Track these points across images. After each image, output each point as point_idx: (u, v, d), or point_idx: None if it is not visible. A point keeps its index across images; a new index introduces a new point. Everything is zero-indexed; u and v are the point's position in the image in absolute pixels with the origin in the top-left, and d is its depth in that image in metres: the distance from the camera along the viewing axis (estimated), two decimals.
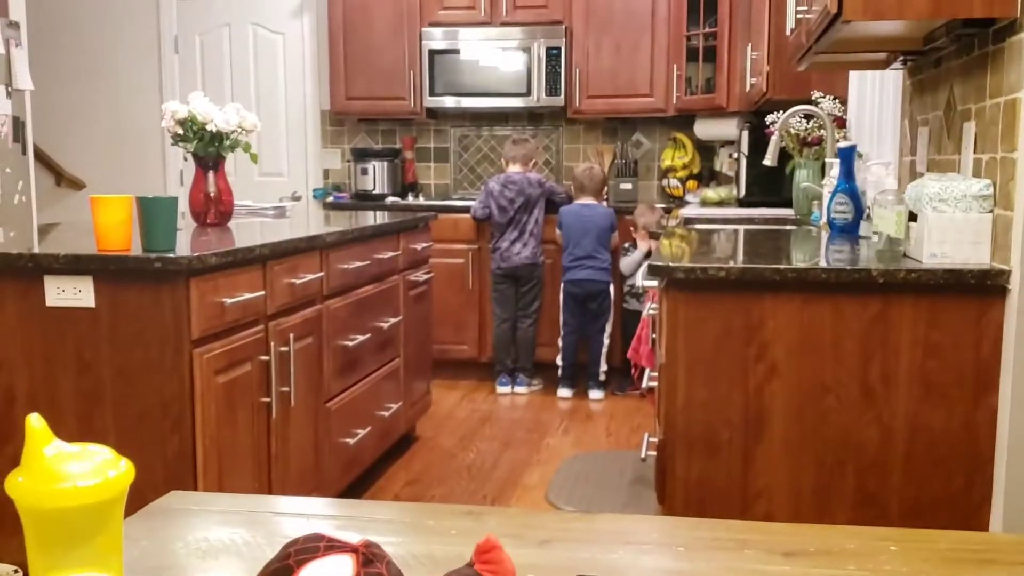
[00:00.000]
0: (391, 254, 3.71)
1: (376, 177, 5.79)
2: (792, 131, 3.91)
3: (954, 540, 0.93)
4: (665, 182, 5.72)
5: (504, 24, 5.53)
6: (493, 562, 0.79)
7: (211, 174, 3.23)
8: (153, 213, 2.36)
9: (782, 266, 2.08)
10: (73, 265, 2.32)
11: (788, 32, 2.87)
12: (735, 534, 0.95)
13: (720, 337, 2.10)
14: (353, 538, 0.72)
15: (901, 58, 2.79)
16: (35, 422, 0.75)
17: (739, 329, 2.09)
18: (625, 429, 4.46)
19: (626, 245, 5.14)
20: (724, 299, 2.09)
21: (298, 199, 5.95)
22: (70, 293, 2.35)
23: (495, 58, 5.53)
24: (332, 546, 0.71)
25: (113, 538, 0.78)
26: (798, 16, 2.58)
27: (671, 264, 2.11)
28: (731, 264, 2.12)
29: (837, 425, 2.06)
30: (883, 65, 3.00)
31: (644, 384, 2.65)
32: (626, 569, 0.89)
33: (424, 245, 4.20)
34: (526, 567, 0.88)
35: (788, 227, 3.71)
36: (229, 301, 2.45)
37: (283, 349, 2.72)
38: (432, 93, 5.60)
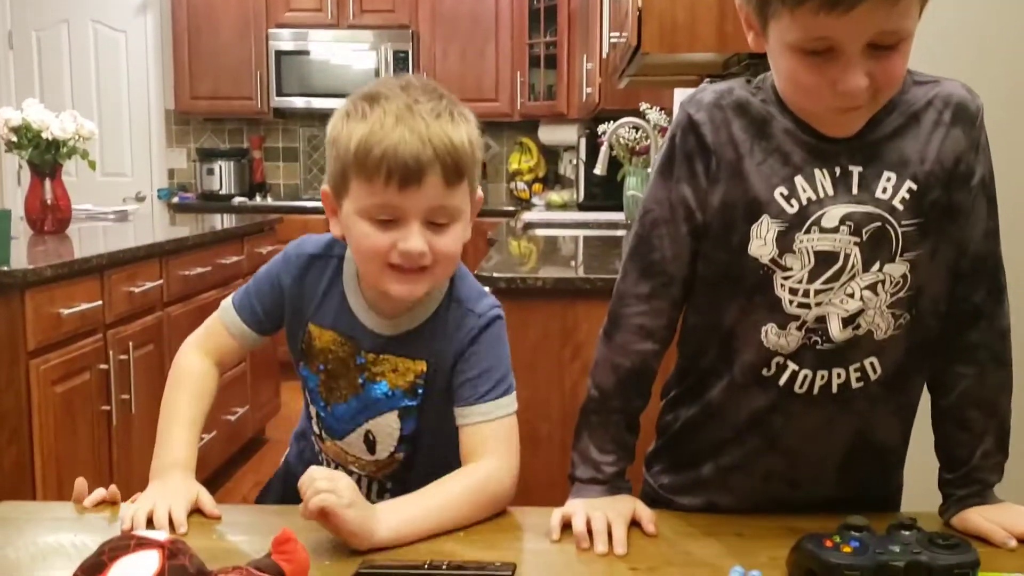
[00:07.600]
0: (235, 259, 3.76)
1: (223, 177, 5.78)
2: (622, 141, 4.15)
3: None
4: (513, 185, 5.92)
5: (351, 27, 5.61)
6: (288, 552, 0.93)
7: (48, 181, 3.21)
8: None
9: (592, 276, 2.28)
10: None
11: (603, 55, 3.08)
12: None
13: (538, 341, 2.27)
14: (160, 536, 0.85)
15: (707, 79, 3.04)
16: None
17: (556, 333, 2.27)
18: None
19: None
20: (541, 306, 2.27)
21: (142, 200, 5.87)
22: None
23: (345, 59, 5.60)
24: (141, 543, 0.83)
25: None
26: (612, 41, 2.79)
27: (494, 275, 2.27)
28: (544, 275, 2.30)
29: None
30: (696, 83, 3.25)
31: None
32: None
33: (270, 248, 4.25)
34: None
35: (620, 231, 3.95)
36: (66, 311, 2.49)
37: (122, 357, 2.76)
38: (280, 93, 5.63)
